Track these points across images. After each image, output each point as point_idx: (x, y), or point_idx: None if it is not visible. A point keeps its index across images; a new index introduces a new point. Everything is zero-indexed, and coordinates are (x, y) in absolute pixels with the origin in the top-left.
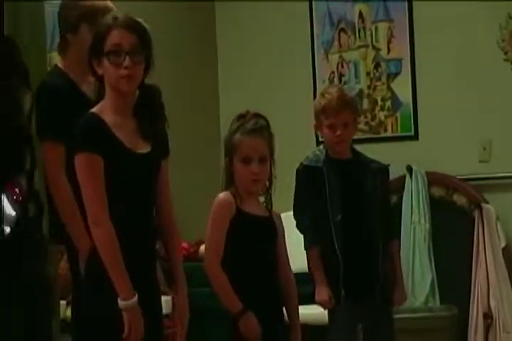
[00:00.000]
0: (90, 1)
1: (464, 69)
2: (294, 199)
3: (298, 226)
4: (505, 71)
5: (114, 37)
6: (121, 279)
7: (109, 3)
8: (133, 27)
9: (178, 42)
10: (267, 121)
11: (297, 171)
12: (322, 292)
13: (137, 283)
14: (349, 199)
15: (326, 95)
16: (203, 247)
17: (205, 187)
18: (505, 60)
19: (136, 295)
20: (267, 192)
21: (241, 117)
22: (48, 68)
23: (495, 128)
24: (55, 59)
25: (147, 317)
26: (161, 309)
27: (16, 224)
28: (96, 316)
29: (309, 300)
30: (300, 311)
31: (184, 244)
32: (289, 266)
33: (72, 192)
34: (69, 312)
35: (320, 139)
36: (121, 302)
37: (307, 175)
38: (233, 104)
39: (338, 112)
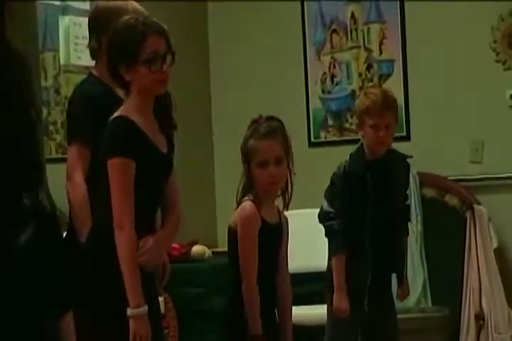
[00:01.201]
0: (120, 4)
1: (456, 70)
2: (328, 203)
3: (328, 230)
4: (496, 72)
5: (151, 44)
6: (135, 287)
7: (137, 6)
8: (163, 31)
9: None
10: (281, 123)
11: (336, 175)
12: (343, 300)
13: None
14: (382, 200)
15: (370, 95)
16: (195, 248)
17: (197, 187)
18: (497, 61)
19: (146, 306)
20: (286, 192)
21: (254, 122)
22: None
23: (487, 129)
24: (47, 60)
25: (152, 320)
26: (160, 310)
27: None
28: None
29: (308, 300)
30: (299, 311)
31: (176, 245)
32: (287, 268)
33: (87, 197)
34: None
35: (312, 140)
36: (130, 310)
37: (349, 181)
38: (225, 105)
39: (382, 113)
